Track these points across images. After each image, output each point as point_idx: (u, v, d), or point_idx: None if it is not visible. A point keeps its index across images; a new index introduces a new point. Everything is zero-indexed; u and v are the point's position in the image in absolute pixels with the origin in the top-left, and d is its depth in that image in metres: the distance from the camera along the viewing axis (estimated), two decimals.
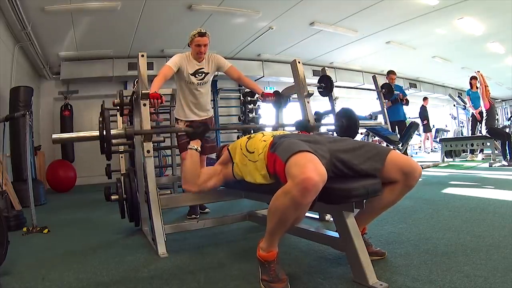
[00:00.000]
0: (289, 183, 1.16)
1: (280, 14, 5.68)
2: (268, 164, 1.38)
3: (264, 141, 1.49)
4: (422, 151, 10.35)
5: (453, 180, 4.10)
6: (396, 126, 5.35)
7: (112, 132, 1.71)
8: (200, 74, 2.74)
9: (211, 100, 3.05)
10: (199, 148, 1.78)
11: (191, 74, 2.70)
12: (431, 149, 10.16)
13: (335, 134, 2.88)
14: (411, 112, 10.48)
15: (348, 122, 2.17)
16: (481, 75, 5.77)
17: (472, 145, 6.10)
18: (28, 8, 4.41)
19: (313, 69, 8.10)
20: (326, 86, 2.91)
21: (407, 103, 5.49)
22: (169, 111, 4.40)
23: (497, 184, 3.50)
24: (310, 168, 1.13)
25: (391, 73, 5.60)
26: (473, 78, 6.42)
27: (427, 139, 10.26)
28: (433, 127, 10.40)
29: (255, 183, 1.47)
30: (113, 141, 2.50)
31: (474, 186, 3.49)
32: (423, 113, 9.61)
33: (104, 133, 1.65)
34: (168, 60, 2.72)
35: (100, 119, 1.69)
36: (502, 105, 13.68)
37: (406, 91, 10.76)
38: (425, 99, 9.86)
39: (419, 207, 2.58)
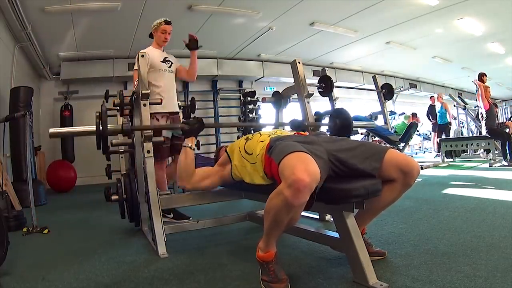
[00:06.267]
0: (281, 184, 1.16)
1: (280, 14, 5.68)
2: (265, 167, 1.40)
3: (262, 141, 1.49)
4: (432, 152, 10.00)
5: (453, 180, 4.10)
6: None
7: (109, 127, 1.70)
8: (168, 62, 2.73)
9: (211, 101, 3.07)
10: (194, 146, 1.80)
11: (161, 62, 2.67)
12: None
13: None
14: (410, 111, 10.44)
15: (342, 121, 2.17)
16: (477, 82, 5.76)
17: (472, 145, 6.11)
18: (28, 8, 4.40)
19: (313, 69, 8.10)
20: (326, 86, 2.91)
21: None
22: None
23: (497, 184, 3.50)
24: (300, 169, 1.12)
25: None
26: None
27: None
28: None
29: (254, 184, 1.48)
30: (113, 141, 2.50)
31: (474, 186, 3.49)
32: (433, 112, 9.00)
33: (101, 128, 1.64)
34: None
35: (97, 114, 1.67)
36: (502, 105, 13.69)
37: (406, 91, 10.78)
38: (432, 97, 9.35)
39: (419, 208, 2.58)
